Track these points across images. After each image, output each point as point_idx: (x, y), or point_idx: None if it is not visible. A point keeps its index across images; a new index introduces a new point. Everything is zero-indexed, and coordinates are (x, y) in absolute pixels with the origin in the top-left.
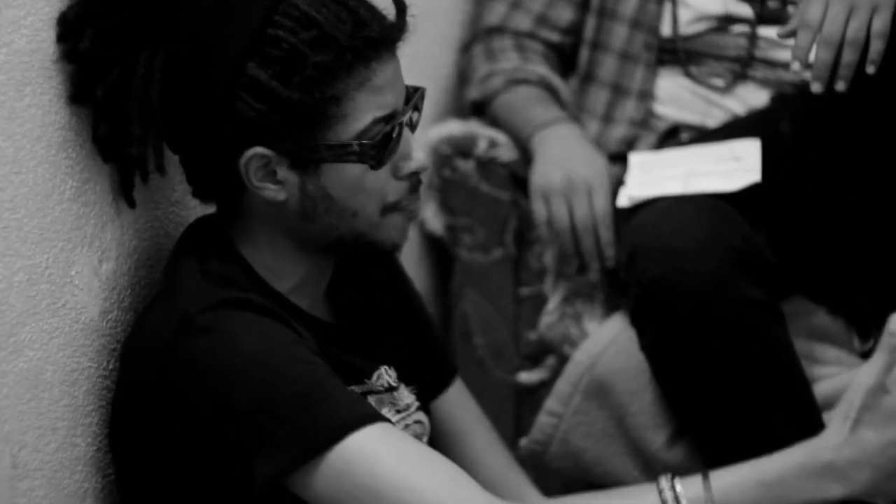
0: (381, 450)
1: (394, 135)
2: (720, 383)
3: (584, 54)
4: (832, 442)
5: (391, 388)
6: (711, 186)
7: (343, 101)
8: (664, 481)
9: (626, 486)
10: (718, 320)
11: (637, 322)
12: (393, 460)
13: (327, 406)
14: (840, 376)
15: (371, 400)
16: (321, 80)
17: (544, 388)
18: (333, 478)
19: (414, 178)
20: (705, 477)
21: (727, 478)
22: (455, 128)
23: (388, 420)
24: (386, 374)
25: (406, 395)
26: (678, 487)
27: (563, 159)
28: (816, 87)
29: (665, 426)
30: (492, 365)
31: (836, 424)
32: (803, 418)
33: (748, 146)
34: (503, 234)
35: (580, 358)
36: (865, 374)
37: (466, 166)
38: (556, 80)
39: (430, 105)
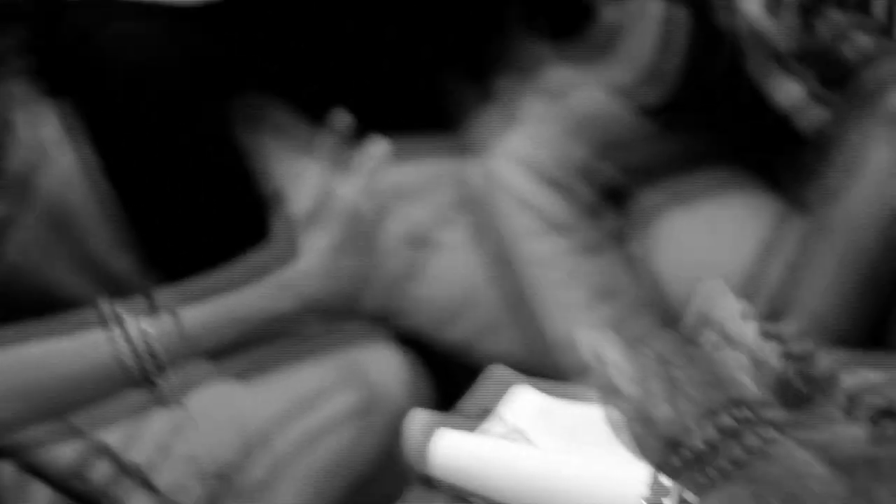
0: None
1: None
2: (172, 187)
3: None
4: (308, 269)
5: None
6: None
7: None
8: (131, 322)
9: (78, 319)
10: (166, 123)
11: (85, 130)
12: None
13: None
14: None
15: None
16: None
17: None
18: None
19: None
20: (176, 317)
21: (200, 317)
22: None
23: None
24: None
25: None
26: (149, 332)
27: None
28: None
29: (113, 233)
30: None
31: (312, 252)
32: (252, 214)
33: None
34: None
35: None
36: (314, 179)
37: None
38: None
39: None
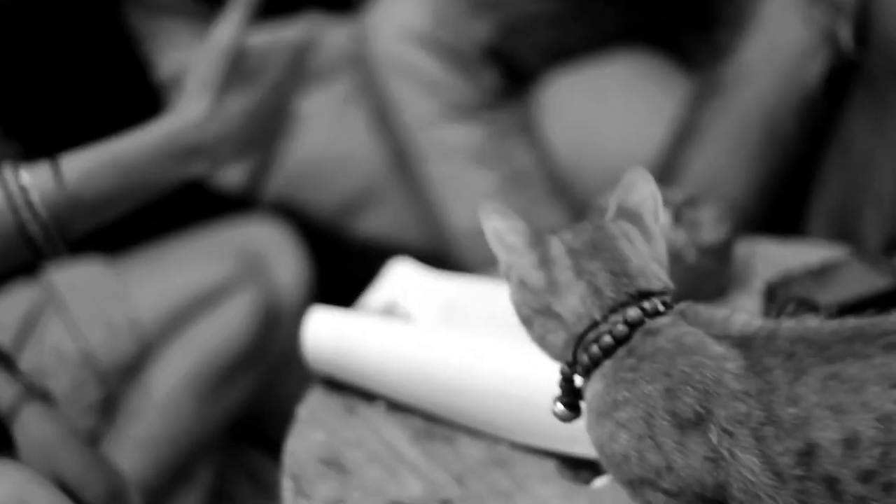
0: None
1: None
2: (54, 69)
3: None
4: (196, 120)
5: None
6: None
7: None
8: (7, 172)
9: None
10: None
11: None
12: None
13: None
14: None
15: None
16: None
17: None
18: None
19: None
20: (54, 163)
21: (80, 164)
22: None
23: None
24: None
25: None
26: (24, 176)
27: None
28: None
29: None
30: None
31: (196, 95)
32: (141, 98)
33: None
34: None
35: None
36: (224, 33)
37: None
38: None
39: None
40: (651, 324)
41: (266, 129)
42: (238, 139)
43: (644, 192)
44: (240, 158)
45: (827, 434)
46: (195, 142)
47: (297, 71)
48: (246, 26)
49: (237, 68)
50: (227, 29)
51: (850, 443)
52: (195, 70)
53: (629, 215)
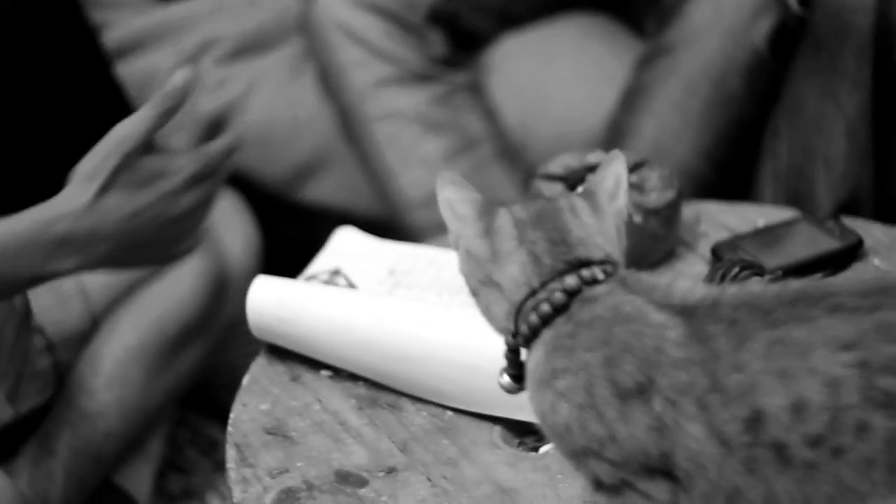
0: None
1: None
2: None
3: None
4: (71, 209)
5: None
6: None
7: None
8: None
9: None
10: None
11: None
12: None
13: None
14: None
15: None
16: None
17: None
18: None
19: None
20: None
21: None
22: None
23: None
24: None
25: None
26: None
27: None
28: None
29: None
30: None
31: (79, 184)
32: (89, 63)
33: None
34: None
35: None
36: (127, 127)
37: None
38: None
39: None
40: (589, 292)
41: (160, 241)
42: (114, 240)
43: (607, 172)
44: (120, 264)
45: (773, 400)
46: (64, 232)
47: (211, 187)
48: (157, 127)
49: (134, 167)
50: (132, 124)
51: (798, 408)
52: (87, 160)
53: (585, 192)
